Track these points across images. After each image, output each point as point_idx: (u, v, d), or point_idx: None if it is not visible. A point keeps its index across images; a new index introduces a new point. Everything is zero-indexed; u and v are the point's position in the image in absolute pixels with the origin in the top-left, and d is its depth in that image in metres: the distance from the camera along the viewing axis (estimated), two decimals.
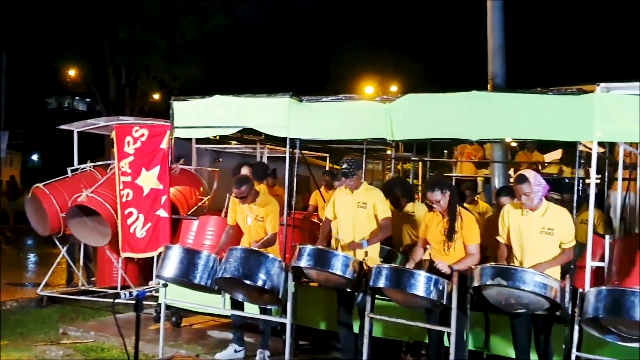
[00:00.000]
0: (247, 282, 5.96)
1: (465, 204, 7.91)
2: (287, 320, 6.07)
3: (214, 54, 27.30)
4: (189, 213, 9.12)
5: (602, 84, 5.44)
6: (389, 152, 13.19)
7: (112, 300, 4.46)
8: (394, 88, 28.06)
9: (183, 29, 24.34)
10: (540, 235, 5.27)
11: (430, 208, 5.77)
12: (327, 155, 12.00)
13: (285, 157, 6.89)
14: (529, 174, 5.37)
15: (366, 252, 5.78)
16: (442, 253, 5.64)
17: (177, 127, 7.40)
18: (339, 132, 6.72)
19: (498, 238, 5.53)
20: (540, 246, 5.28)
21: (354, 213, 6.02)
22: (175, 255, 6.33)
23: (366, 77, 28.77)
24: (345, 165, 6.01)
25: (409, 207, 6.94)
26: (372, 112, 6.32)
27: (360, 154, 9.65)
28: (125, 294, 4.44)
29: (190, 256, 6.30)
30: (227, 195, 7.39)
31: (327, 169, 11.04)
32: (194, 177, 10.35)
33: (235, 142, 11.70)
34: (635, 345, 4.86)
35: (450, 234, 5.54)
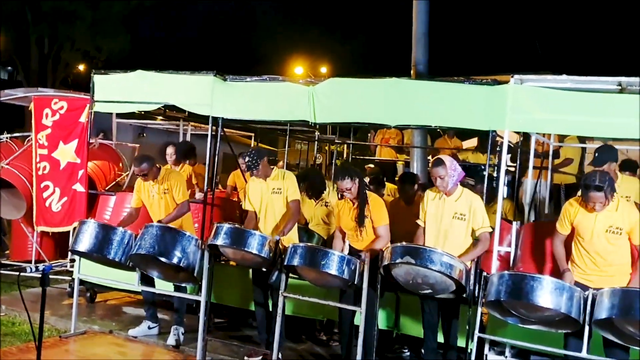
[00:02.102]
0: (163, 259, 5.91)
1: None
2: (202, 298, 6.08)
3: (141, 28, 26.62)
4: (106, 189, 8.94)
5: (516, 76, 5.64)
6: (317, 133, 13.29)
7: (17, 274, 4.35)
8: (324, 69, 28.15)
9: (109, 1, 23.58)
10: (452, 220, 5.43)
11: (342, 196, 5.86)
12: (253, 134, 11.94)
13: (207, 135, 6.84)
14: (446, 158, 5.53)
15: (283, 231, 5.83)
16: (355, 239, 5.76)
17: (97, 101, 7.20)
18: (262, 113, 6.71)
19: (418, 221, 5.68)
20: (453, 231, 5.43)
21: (270, 200, 6.07)
22: (90, 230, 6.21)
23: (297, 57, 28.69)
24: (247, 159, 6.03)
25: (323, 196, 7.05)
26: (296, 94, 6.34)
27: (284, 135, 9.67)
28: (31, 267, 4.32)
29: (106, 231, 6.20)
30: None
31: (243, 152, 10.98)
32: (114, 152, 10.14)
33: (161, 118, 11.48)
34: (534, 327, 5.11)
35: (360, 219, 5.65)
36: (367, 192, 5.78)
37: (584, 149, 9.37)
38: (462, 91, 5.75)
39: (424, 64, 9.72)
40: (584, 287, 4.86)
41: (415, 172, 9.08)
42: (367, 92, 6.03)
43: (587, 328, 4.72)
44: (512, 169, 8.06)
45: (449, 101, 5.76)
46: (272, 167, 6.20)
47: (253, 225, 6.06)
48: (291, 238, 6.00)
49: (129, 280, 6.51)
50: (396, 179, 9.00)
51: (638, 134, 5.47)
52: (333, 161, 12.06)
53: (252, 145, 11.99)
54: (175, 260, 5.86)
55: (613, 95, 5.55)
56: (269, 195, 6.07)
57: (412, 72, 9.74)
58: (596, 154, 6.00)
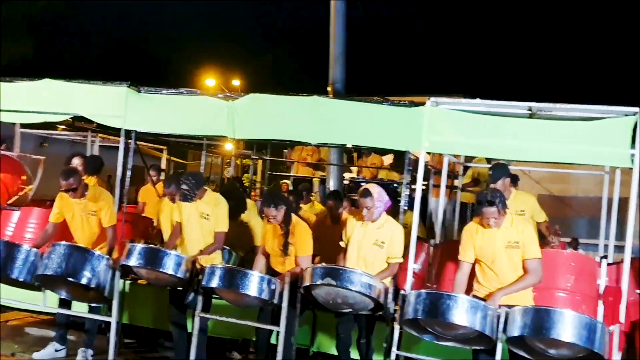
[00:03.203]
0: (71, 279, 5.63)
1: (301, 204, 8.12)
2: (113, 319, 5.82)
3: (47, 33, 25.54)
4: (8, 202, 8.45)
5: (432, 98, 5.80)
6: (226, 146, 13.15)
7: None
8: (236, 82, 27.96)
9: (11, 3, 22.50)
10: (372, 246, 5.47)
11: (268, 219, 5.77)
12: (165, 147, 11.67)
13: (118, 147, 6.61)
14: (374, 189, 5.51)
15: (200, 250, 5.69)
16: (280, 265, 5.72)
17: (2, 111, 6.80)
18: (178, 127, 6.57)
19: (341, 243, 5.69)
20: (371, 257, 5.47)
21: (196, 222, 5.86)
22: None
23: (208, 69, 28.31)
24: (184, 187, 5.74)
25: (242, 217, 6.87)
26: (214, 108, 6.25)
27: (199, 149, 9.49)
28: None
29: (9, 249, 5.83)
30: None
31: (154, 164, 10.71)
32: (16, 163, 9.59)
33: (63, 128, 11.01)
34: (449, 344, 5.21)
35: (285, 248, 5.62)
36: (295, 219, 5.72)
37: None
38: (380, 111, 5.86)
39: (341, 82, 9.86)
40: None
41: (338, 190, 9.13)
42: (287, 109, 6.03)
43: (499, 345, 4.86)
44: (423, 187, 8.25)
45: (367, 121, 5.85)
46: (205, 188, 5.98)
47: (176, 239, 5.87)
48: (209, 258, 5.84)
49: (35, 299, 6.14)
50: (313, 195, 9.06)
51: (546, 158, 5.78)
52: (250, 175, 11.98)
53: (163, 158, 11.71)
54: (84, 281, 5.60)
55: (523, 120, 5.80)
56: (196, 217, 5.86)
57: (329, 89, 9.85)
58: (490, 172, 6.20)
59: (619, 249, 6.95)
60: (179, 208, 5.90)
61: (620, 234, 8.22)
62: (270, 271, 5.76)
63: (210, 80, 26.72)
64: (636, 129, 5.34)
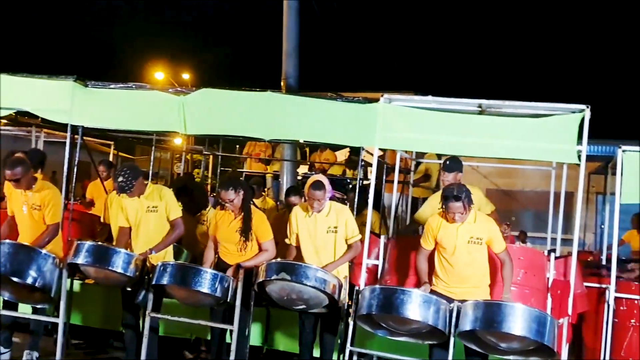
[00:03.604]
0: (16, 279, 5.45)
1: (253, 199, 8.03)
2: (60, 320, 5.65)
3: None
4: None
5: (385, 95, 5.83)
6: (176, 141, 12.94)
7: None
8: (186, 76, 27.55)
9: None
10: (327, 234, 5.49)
11: (222, 206, 5.68)
12: (112, 142, 11.40)
13: (64, 142, 6.44)
14: (325, 181, 5.52)
15: (150, 249, 5.57)
16: (237, 253, 5.58)
17: None
18: (128, 122, 6.43)
19: (287, 241, 5.66)
20: (327, 245, 5.50)
21: (144, 218, 5.70)
22: None
23: (157, 62, 27.77)
24: (120, 179, 5.52)
25: (203, 213, 6.69)
26: (165, 103, 6.14)
27: (147, 144, 9.31)
28: None
29: None
30: None
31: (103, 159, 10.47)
32: None
33: (7, 123, 10.63)
34: (402, 339, 5.25)
35: (246, 233, 5.52)
36: (251, 206, 5.65)
37: (440, 165, 9.87)
38: (334, 108, 5.87)
39: (294, 78, 9.82)
40: (448, 300, 5.06)
41: (296, 186, 9.07)
42: (240, 104, 5.97)
43: (452, 339, 4.92)
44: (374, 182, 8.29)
45: (322, 117, 5.84)
46: (146, 183, 5.83)
47: (125, 242, 5.73)
48: (160, 256, 5.71)
49: None
50: (265, 191, 9.01)
51: (496, 154, 5.88)
52: (201, 171, 11.83)
53: (111, 154, 11.45)
54: (29, 280, 5.41)
55: (474, 117, 5.89)
56: (143, 213, 5.69)
57: (282, 85, 9.79)
58: (447, 162, 6.26)
59: (565, 241, 7.16)
60: (124, 212, 5.72)
61: (566, 227, 8.47)
62: (220, 263, 5.67)
63: (159, 73, 26.22)
64: (583, 125, 5.48)
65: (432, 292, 5.16)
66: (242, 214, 5.54)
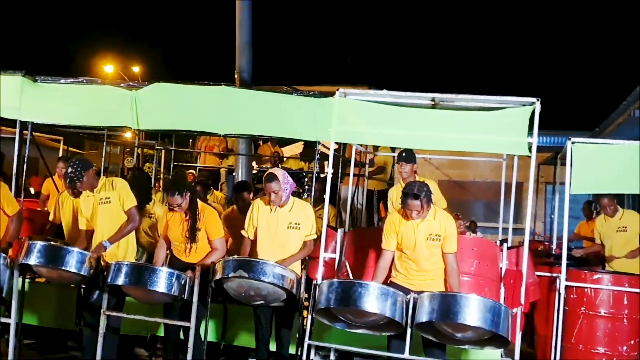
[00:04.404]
0: None
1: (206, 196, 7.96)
2: (12, 320, 5.52)
3: None
4: None
5: (341, 89, 5.85)
6: (127, 135, 12.71)
7: None
8: (136, 69, 27.06)
9: None
10: (288, 230, 5.46)
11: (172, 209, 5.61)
12: (61, 138, 11.14)
13: (13, 138, 6.28)
14: (278, 172, 5.49)
15: (104, 247, 5.48)
16: (184, 254, 5.57)
17: None
18: (79, 117, 6.30)
19: (243, 232, 5.62)
20: (288, 240, 5.47)
21: (99, 212, 5.62)
22: None
23: (106, 55, 27.18)
24: (69, 170, 5.43)
25: (147, 207, 6.63)
26: (117, 98, 6.03)
27: (97, 139, 9.12)
28: None
29: None
30: None
31: (61, 155, 10.24)
32: None
33: None
34: (360, 331, 5.29)
35: (192, 234, 5.49)
36: (201, 204, 5.61)
37: (394, 158, 10.00)
38: (290, 102, 5.86)
39: (248, 72, 9.74)
40: (407, 291, 5.12)
41: (246, 180, 9.03)
42: (194, 98, 5.92)
43: (409, 330, 4.98)
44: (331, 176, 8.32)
45: (277, 111, 5.83)
46: (98, 177, 5.74)
47: (85, 244, 5.62)
48: (115, 254, 5.63)
49: None
50: (219, 186, 8.95)
51: (449, 147, 5.97)
52: (154, 166, 11.63)
53: (60, 149, 11.18)
54: None
55: (427, 110, 5.97)
56: (96, 207, 5.60)
57: (236, 79, 9.71)
58: (403, 154, 6.42)
59: (516, 231, 7.33)
60: (81, 214, 5.64)
61: (517, 217, 8.66)
62: (173, 260, 5.63)
63: (108, 66, 25.71)
64: (533, 118, 5.61)
65: (391, 283, 5.21)
66: (190, 215, 5.51)
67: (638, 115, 9.76)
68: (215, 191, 8.13)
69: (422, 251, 5.17)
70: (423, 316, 4.86)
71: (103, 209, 5.62)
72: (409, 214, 5.12)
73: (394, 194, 6.72)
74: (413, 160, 6.42)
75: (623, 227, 6.92)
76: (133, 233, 5.80)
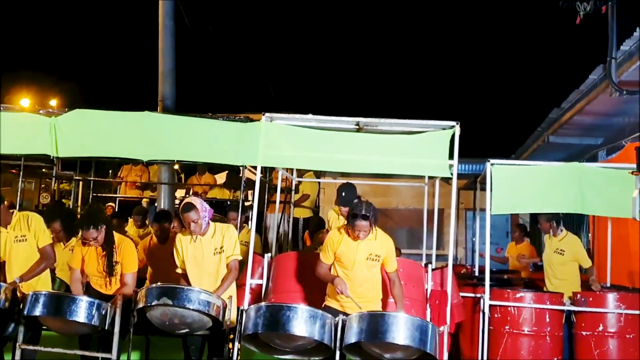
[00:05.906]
0: None
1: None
2: None
3: None
4: None
5: (267, 114, 5.88)
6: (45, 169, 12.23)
7: None
8: (53, 102, 26.22)
9: None
10: (215, 256, 5.37)
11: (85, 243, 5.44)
12: None
13: None
14: (195, 201, 5.38)
15: (21, 277, 5.23)
16: (103, 287, 5.46)
17: None
18: None
19: (177, 270, 5.47)
20: (214, 267, 5.38)
21: (13, 249, 5.43)
22: None
23: (20, 89, 26.18)
24: None
25: (72, 241, 6.40)
26: (35, 125, 5.85)
27: (16, 171, 8.75)
28: None
29: None
30: None
31: None
32: None
33: None
34: (288, 357, 5.21)
35: (109, 269, 5.39)
36: (118, 236, 5.49)
37: (319, 185, 10.10)
38: (215, 127, 5.84)
39: (171, 100, 9.62)
40: (344, 314, 5.07)
41: (168, 210, 8.85)
42: (116, 125, 5.80)
43: (338, 353, 4.95)
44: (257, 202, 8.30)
45: (202, 136, 5.79)
46: (11, 211, 5.53)
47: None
48: (32, 285, 5.37)
49: None
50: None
51: (373, 170, 6.08)
52: (72, 201, 11.24)
53: None
54: None
55: (352, 134, 6.06)
56: (11, 244, 5.41)
57: (159, 107, 9.56)
58: (342, 194, 6.24)
59: (439, 257, 7.47)
60: None
61: (439, 244, 8.85)
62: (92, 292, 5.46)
63: (24, 100, 24.77)
64: (454, 141, 5.79)
65: (326, 307, 5.20)
66: (106, 249, 5.40)
67: (552, 141, 10.24)
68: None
69: (361, 270, 5.19)
70: (352, 337, 4.83)
71: (18, 247, 5.47)
72: (356, 235, 5.15)
73: (333, 216, 6.75)
74: (352, 198, 6.03)
75: (561, 249, 7.04)
76: (47, 270, 5.59)
